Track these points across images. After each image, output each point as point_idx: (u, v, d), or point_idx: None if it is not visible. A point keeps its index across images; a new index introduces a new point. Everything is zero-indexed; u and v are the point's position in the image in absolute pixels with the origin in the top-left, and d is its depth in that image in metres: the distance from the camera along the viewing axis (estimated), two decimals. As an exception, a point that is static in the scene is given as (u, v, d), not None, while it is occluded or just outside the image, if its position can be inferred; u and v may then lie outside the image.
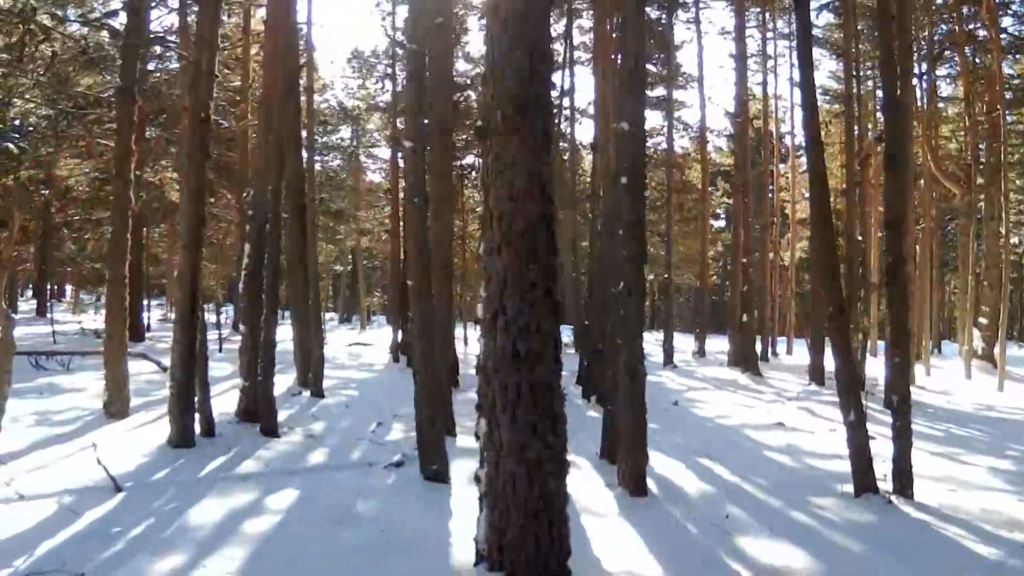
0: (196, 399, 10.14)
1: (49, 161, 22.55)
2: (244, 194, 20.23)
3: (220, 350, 22.07)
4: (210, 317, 38.02)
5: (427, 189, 9.98)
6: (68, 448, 9.87)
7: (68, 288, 37.37)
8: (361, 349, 26.36)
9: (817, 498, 9.08)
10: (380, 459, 10.04)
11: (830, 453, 11.98)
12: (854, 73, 22.57)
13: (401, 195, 21.30)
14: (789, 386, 21.10)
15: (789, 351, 33.79)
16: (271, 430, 10.91)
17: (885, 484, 8.98)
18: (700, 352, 29.61)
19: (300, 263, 15.29)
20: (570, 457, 10.43)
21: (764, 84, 32.11)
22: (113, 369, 11.58)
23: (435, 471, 9.03)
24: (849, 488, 9.16)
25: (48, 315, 25.36)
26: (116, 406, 11.57)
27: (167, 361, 17.83)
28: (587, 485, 9.27)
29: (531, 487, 5.54)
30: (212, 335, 27.05)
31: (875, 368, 21.83)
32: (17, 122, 21.63)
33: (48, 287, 30.31)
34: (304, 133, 17.10)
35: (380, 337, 32.75)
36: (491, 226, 5.65)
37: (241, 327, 11.44)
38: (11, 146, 20.62)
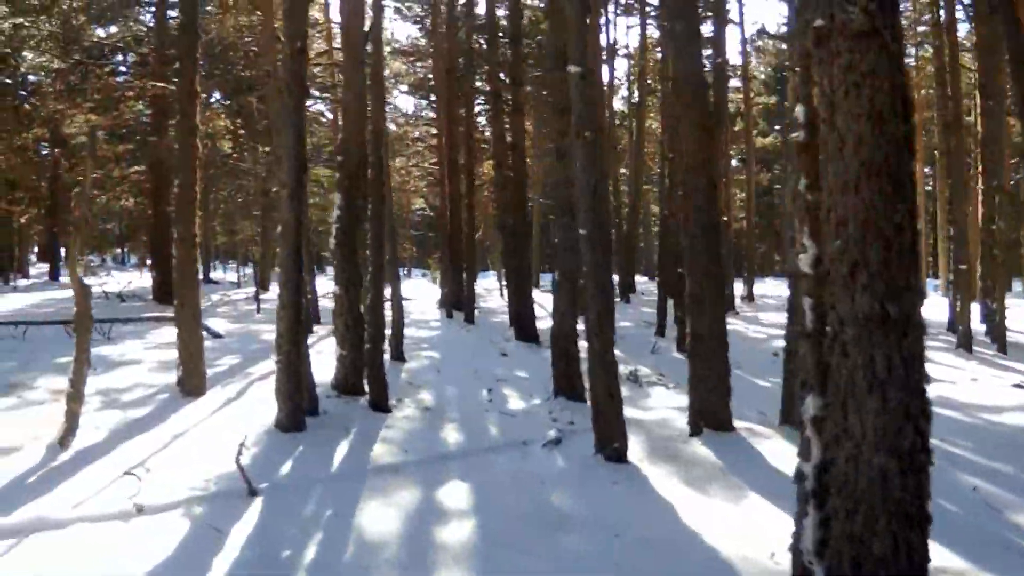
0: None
1: (58, 118, 20.58)
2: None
3: (259, 311, 20.34)
4: (222, 275, 36.25)
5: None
6: (157, 436, 8.25)
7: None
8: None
9: (1051, 462, 7.69)
10: (527, 435, 8.56)
11: (991, 405, 10.71)
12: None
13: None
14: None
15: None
16: (382, 405, 9.34)
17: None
18: (749, 297, 28.20)
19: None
20: (748, 424, 9.09)
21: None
22: (188, 340, 9.90)
23: (616, 450, 7.60)
24: (1083, 449, 7.81)
25: (60, 279, 23.55)
26: (193, 382, 9.92)
27: (215, 325, 16.26)
28: (785, 456, 7.83)
29: (905, 486, 4.06)
30: (239, 293, 25.53)
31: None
32: (28, 77, 19.62)
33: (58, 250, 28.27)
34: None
35: (412, 290, 30.98)
36: (839, 154, 4.10)
37: (336, 288, 9.76)
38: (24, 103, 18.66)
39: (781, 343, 16.97)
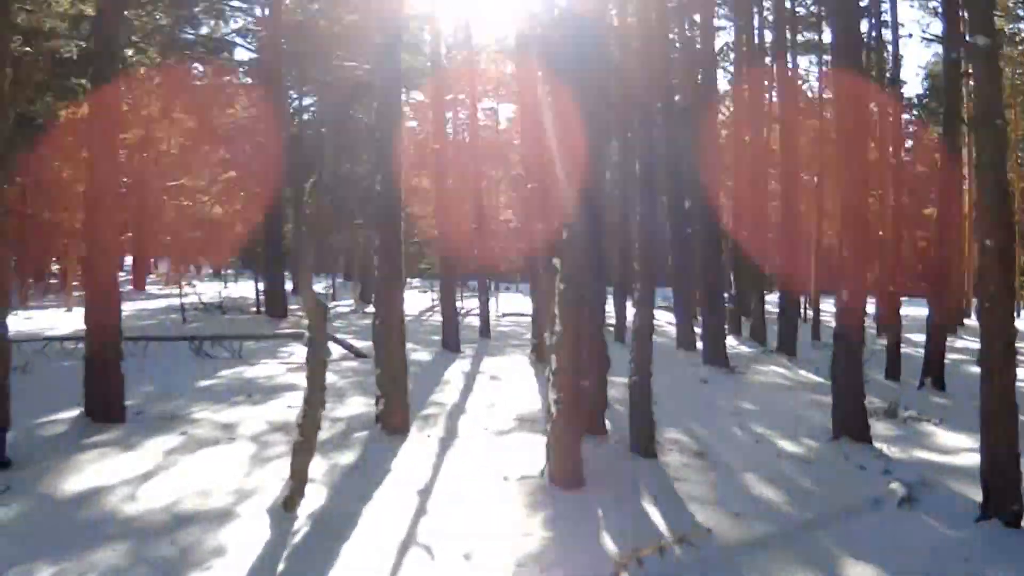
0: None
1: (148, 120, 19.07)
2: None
3: None
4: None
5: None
6: (398, 494, 6.49)
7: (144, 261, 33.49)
8: (517, 320, 22.21)
9: None
10: (850, 489, 6.85)
11: None
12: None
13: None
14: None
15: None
16: (647, 449, 7.52)
17: None
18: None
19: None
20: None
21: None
22: (392, 367, 8.16)
23: (1015, 513, 5.73)
24: None
25: (145, 289, 22.02)
26: (398, 417, 8.19)
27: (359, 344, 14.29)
28: None
29: None
30: (339, 306, 23.47)
31: None
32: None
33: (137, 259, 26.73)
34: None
35: (516, 304, 28.47)
36: None
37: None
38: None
39: None
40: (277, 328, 16.70)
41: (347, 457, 7.56)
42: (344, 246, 27.00)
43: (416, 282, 35.61)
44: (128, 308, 20.84)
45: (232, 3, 17.68)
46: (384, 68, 8.30)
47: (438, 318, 22.41)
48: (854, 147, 8.47)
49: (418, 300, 27.09)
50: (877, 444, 8.36)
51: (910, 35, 37.10)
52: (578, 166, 6.39)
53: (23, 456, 7.12)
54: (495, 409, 9.55)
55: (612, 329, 16.71)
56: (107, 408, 8.65)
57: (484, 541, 5.45)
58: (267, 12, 17.35)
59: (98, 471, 6.96)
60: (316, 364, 6.15)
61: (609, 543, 5.50)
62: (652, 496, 6.48)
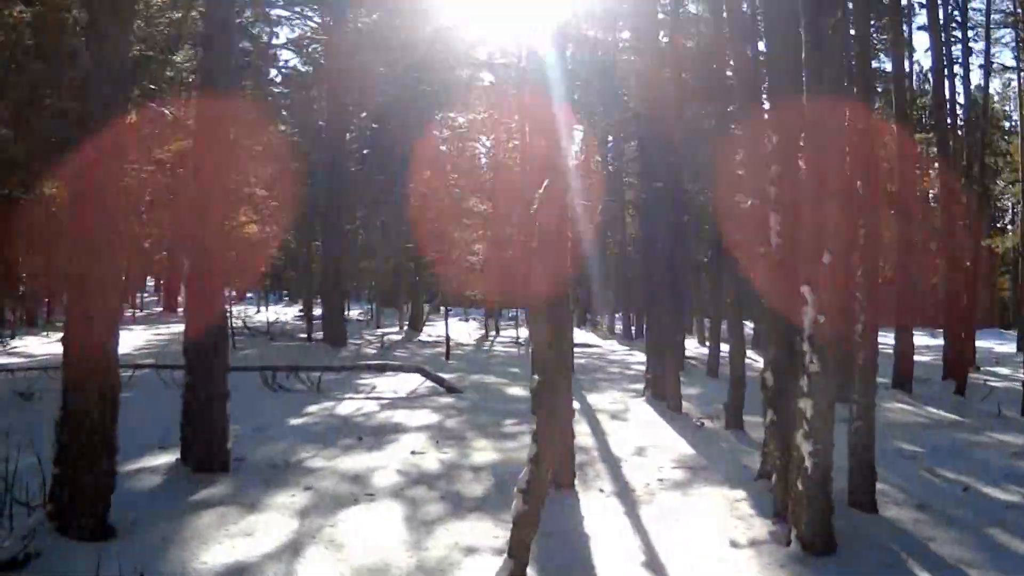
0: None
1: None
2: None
3: (448, 357, 17.41)
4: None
5: None
6: (626, 572, 5.50)
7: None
8: (580, 351, 20.80)
9: None
10: None
11: None
12: None
13: None
14: None
15: None
16: (865, 503, 6.59)
17: None
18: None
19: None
20: None
21: None
22: (559, 415, 7.16)
23: None
24: None
25: (177, 311, 20.79)
26: (565, 472, 7.22)
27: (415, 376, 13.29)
28: None
29: None
30: (389, 333, 21.91)
31: None
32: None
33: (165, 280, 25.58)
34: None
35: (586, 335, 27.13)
36: None
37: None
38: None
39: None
40: (337, 357, 15.69)
41: (523, 518, 6.54)
42: (381, 271, 25.74)
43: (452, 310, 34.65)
44: (165, 332, 19.85)
45: (293, 9, 16.70)
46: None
47: (499, 348, 21.47)
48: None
49: (463, 328, 26.09)
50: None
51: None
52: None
53: (125, 519, 5.76)
54: (648, 455, 8.61)
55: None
56: (209, 455, 7.55)
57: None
58: (330, 20, 16.35)
59: (228, 541, 5.74)
60: (550, 415, 5.17)
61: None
62: (918, 561, 5.55)
